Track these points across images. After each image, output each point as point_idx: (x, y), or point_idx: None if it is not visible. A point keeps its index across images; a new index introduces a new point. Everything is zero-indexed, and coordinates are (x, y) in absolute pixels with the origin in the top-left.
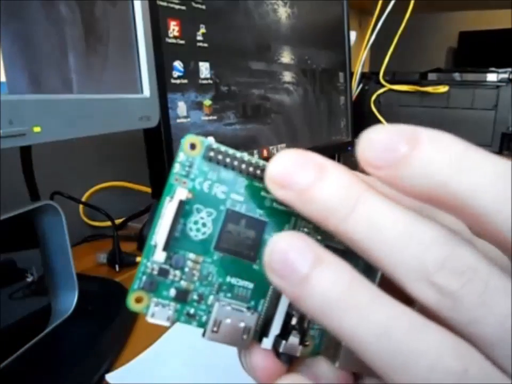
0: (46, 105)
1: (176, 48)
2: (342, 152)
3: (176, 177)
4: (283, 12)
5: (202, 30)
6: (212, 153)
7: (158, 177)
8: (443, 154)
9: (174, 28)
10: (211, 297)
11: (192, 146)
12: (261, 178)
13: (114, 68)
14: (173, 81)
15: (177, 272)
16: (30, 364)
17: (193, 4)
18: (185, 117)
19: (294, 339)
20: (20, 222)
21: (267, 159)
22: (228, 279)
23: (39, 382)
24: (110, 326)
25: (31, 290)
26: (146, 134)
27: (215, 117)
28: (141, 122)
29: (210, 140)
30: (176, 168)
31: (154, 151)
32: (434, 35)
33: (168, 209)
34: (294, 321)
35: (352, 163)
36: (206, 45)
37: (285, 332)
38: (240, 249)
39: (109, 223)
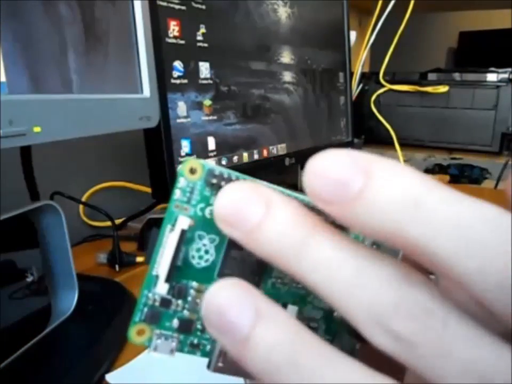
0: (46, 105)
1: (176, 48)
2: None
3: (177, 203)
4: (283, 12)
5: (202, 30)
6: (213, 178)
7: (158, 177)
8: (399, 192)
9: (174, 28)
10: None
11: (193, 171)
12: None
13: (114, 68)
14: (173, 81)
15: (180, 302)
16: (30, 364)
17: (193, 4)
18: (185, 117)
19: None
20: (20, 222)
21: (267, 159)
22: None
23: (39, 382)
24: (110, 326)
25: (31, 290)
26: (146, 134)
27: (215, 117)
28: (141, 122)
29: (211, 163)
30: (177, 194)
31: (154, 151)
32: (434, 35)
33: (170, 239)
34: None
35: None
36: (206, 45)
37: None
38: (244, 275)
39: (109, 223)
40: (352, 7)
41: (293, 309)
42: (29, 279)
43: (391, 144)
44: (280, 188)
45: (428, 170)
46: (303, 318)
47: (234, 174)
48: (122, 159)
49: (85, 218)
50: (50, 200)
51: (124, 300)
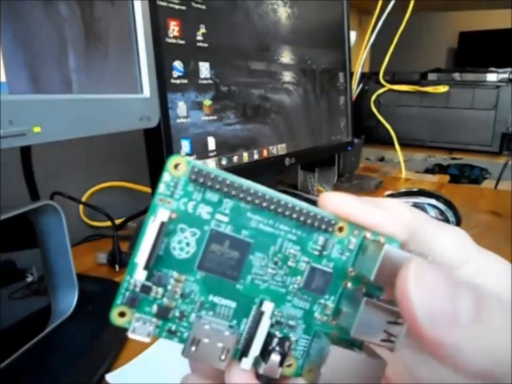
0: (46, 105)
1: (176, 48)
2: (342, 152)
3: (160, 197)
4: (283, 12)
5: (202, 30)
6: (197, 174)
7: (158, 177)
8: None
9: (174, 28)
10: (193, 315)
11: (177, 167)
12: (246, 200)
13: (114, 68)
14: (173, 81)
15: (160, 290)
16: (30, 364)
17: (193, 4)
18: (185, 117)
19: (273, 360)
20: (19, 222)
21: (267, 159)
22: (211, 297)
23: (39, 382)
24: (110, 326)
25: (31, 290)
26: (146, 134)
27: (215, 117)
28: (141, 122)
29: (195, 161)
30: (161, 188)
31: (154, 151)
32: (434, 35)
33: (150, 229)
34: (274, 342)
35: (351, 163)
36: (206, 45)
37: (265, 353)
38: (223, 269)
39: (109, 223)
40: (352, 7)
41: (268, 305)
42: (29, 279)
43: (391, 144)
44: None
45: (428, 170)
46: (281, 315)
47: (217, 172)
48: (122, 159)
49: (85, 218)
50: (50, 200)
51: None
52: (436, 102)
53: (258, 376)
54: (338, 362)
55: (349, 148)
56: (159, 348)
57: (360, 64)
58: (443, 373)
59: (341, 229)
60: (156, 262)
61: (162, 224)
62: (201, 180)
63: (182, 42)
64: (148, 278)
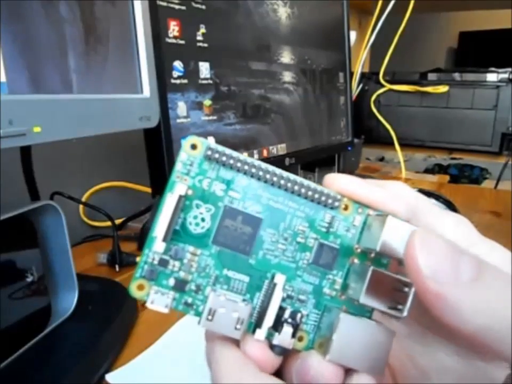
0: (46, 105)
1: (176, 48)
2: (342, 152)
3: (177, 175)
4: (283, 12)
5: (202, 30)
6: (211, 153)
7: (158, 177)
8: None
9: (174, 28)
10: (208, 288)
11: (193, 147)
12: (257, 178)
13: (114, 68)
14: (173, 81)
15: (177, 263)
16: (30, 364)
17: (193, 4)
18: (185, 117)
19: (286, 332)
20: (20, 222)
21: (267, 159)
22: (225, 272)
23: (39, 382)
24: (110, 326)
25: (31, 290)
26: (146, 134)
27: (215, 117)
28: (141, 122)
29: (210, 140)
30: (178, 166)
31: (154, 151)
32: (434, 35)
33: (167, 204)
34: (286, 314)
35: (351, 163)
36: (206, 45)
37: (278, 325)
38: (237, 244)
39: (109, 223)
40: (352, 7)
41: (281, 277)
42: (29, 279)
43: (391, 144)
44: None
45: (428, 170)
46: (292, 290)
47: (230, 151)
48: (122, 159)
49: (85, 218)
50: (50, 200)
51: (124, 300)
52: (436, 102)
53: (272, 348)
54: (349, 330)
55: (349, 148)
56: (159, 348)
57: (360, 64)
58: (444, 361)
59: (346, 207)
60: (173, 236)
61: (180, 197)
62: (215, 157)
63: (182, 42)
64: (165, 252)
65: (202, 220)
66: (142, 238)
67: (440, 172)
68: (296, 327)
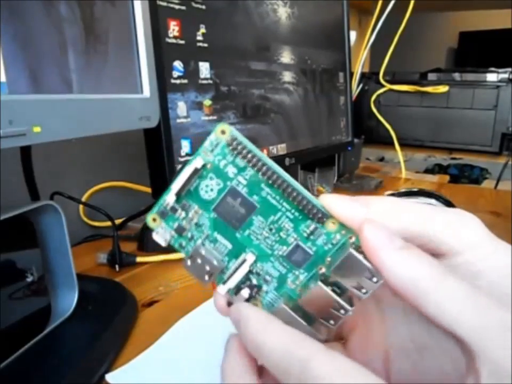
0: (46, 105)
1: (176, 48)
2: (342, 152)
3: (204, 149)
4: (283, 12)
5: (202, 30)
6: (233, 142)
7: (158, 177)
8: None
9: (174, 28)
10: (199, 240)
11: (222, 132)
12: (264, 174)
13: (114, 68)
14: (173, 81)
15: (183, 213)
16: (30, 364)
17: (193, 4)
18: (185, 117)
19: (241, 296)
20: (20, 222)
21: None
22: (215, 234)
23: (39, 382)
24: (110, 326)
25: (31, 290)
26: (146, 134)
27: (215, 117)
28: (141, 122)
29: (236, 131)
30: (206, 143)
31: (154, 151)
32: (434, 35)
33: (189, 168)
34: (247, 283)
35: (351, 163)
36: (206, 45)
37: (238, 289)
38: (230, 218)
39: (109, 223)
40: (352, 7)
41: (251, 257)
42: (29, 279)
43: (391, 144)
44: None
45: (428, 170)
46: (261, 269)
47: (251, 145)
48: (122, 159)
49: (85, 218)
50: (50, 200)
51: (124, 300)
52: (436, 102)
53: (229, 304)
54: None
55: (349, 148)
56: (159, 348)
57: (360, 64)
58: (442, 340)
59: (332, 225)
60: (186, 194)
61: (197, 168)
62: (236, 147)
63: (182, 42)
64: (177, 202)
65: (211, 190)
66: (142, 238)
67: (440, 172)
68: (250, 296)
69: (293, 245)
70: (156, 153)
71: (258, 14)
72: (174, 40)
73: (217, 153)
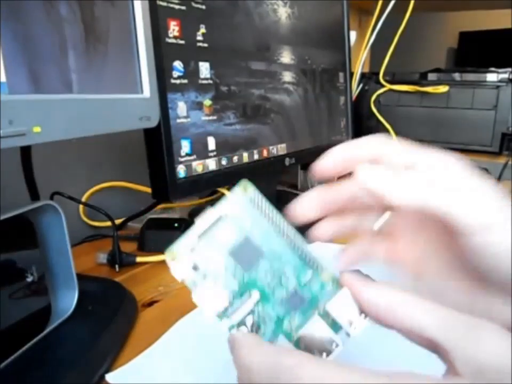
0: (46, 105)
1: (176, 48)
2: None
3: (228, 201)
4: (283, 12)
5: (202, 30)
6: (254, 198)
7: (158, 177)
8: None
9: (174, 28)
10: (210, 278)
11: (245, 188)
12: (276, 226)
13: (114, 68)
14: (173, 81)
15: (200, 253)
16: (30, 364)
17: (193, 4)
18: (185, 117)
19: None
20: (20, 222)
21: (267, 159)
22: (226, 274)
23: (39, 382)
24: (110, 326)
25: (31, 290)
26: (146, 134)
27: (215, 117)
28: (141, 122)
29: (256, 190)
30: (231, 196)
31: (154, 151)
32: (434, 35)
33: (212, 214)
34: (249, 321)
35: None
36: (206, 45)
37: (240, 324)
38: (241, 260)
39: (109, 223)
40: (352, 7)
41: (256, 294)
42: (29, 279)
43: None
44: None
45: None
46: (262, 310)
47: (268, 205)
48: (122, 159)
49: (85, 218)
50: (50, 200)
51: (124, 300)
52: (436, 102)
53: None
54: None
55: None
56: (159, 348)
57: (360, 64)
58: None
59: (326, 277)
60: (206, 236)
61: (220, 216)
62: (255, 202)
63: (182, 42)
64: (196, 242)
65: (229, 235)
66: (142, 238)
67: None
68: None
69: (291, 291)
70: (156, 153)
71: (258, 14)
72: (174, 40)
73: (238, 205)
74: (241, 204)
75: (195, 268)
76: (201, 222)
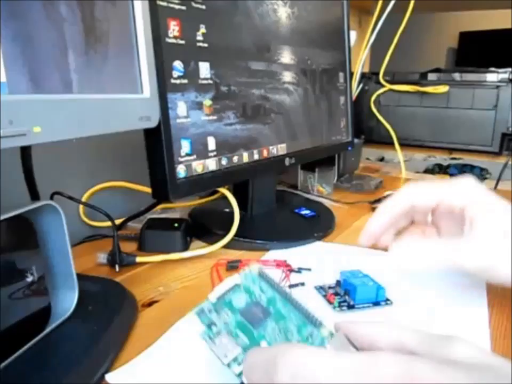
0: (46, 105)
1: (176, 48)
2: (342, 152)
3: (242, 274)
4: (283, 12)
5: (202, 30)
6: (262, 274)
7: (158, 177)
8: None
9: (174, 28)
10: (224, 332)
11: (255, 268)
12: (280, 293)
13: (114, 68)
14: (173, 81)
15: (215, 314)
16: (30, 364)
17: (193, 4)
18: (185, 117)
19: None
20: (20, 222)
21: (267, 159)
22: (237, 331)
23: (39, 382)
24: (110, 326)
25: (31, 290)
26: (146, 134)
27: (215, 117)
28: (141, 122)
29: (263, 269)
30: (245, 271)
31: (154, 151)
32: (434, 35)
33: (229, 283)
34: None
35: (351, 163)
36: (206, 45)
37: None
38: (251, 319)
39: (109, 223)
40: (352, 7)
41: (264, 344)
42: (29, 279)
43: (391, 144)
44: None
45: (428, 170)
46: None
47: (270, 277)
48: (122, 159)
49: (85, 218)
50: (50, 200)
51: (124, 300)
52: (436, 102)
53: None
54: None
55: (349, 148)
56: (159, 348)
57: (360, 64)
58: None
59: (325, 331)
60: (223, 300)
61: (235, 285)
62: (263, 277)
63: (182, 42)
64: (214, 305)
65: (241, 301)
66: (142, 238)
67: (440, 172)
68: None
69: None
70: (156, 153)
71: (258, 14)
72: (174, 40)
73: (250, 278)
74: (252, 277)
75: (210, 324)
76: (218, 289)
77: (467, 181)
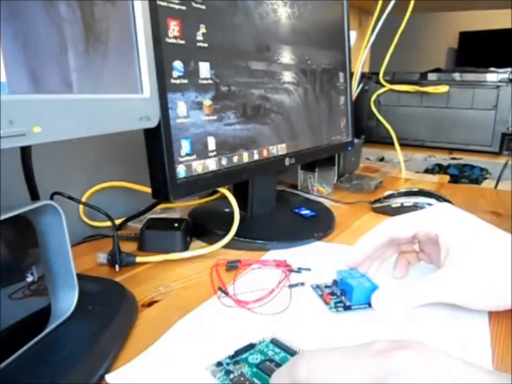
0: (46, 105)
1: (176, 48)
2: (342, 152)
3: (255, 343)
4: (283, 12)
5: (202, 30)
6: (275, 341)
7: (158, 177)
8: None
9: (174, 28)
10: (241, 379)
11: (264, 340)
12: (290, 354)
13: (114, 68)
14: (173, 81)
15: (232, 365)
16: (30, 364)
17: (193, 4)
18: (185, 117)
19: None
20: (20, 222)
21: (267, 159)
22: (254, 380)
23: (39, 382)
24: (110, 326)
25: (31, 290)
26: (146, 134)
27: (215, 117)
28: (141, 122)
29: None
30: (258, 341)
31: (154, 151)
32: (434, 35)
33: (247, 344)
34: None
35: (351, 163)
36: (206, 45)
37: None
38: (266, 370)
39: (109, 223)
40: (352, 7)
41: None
42: (29, 279)
43: (391, 144)
44: None
45: (428, 170)
46: None
47: (287, 345)
48: (122, 159)
49: (85, 218)
50: (50, 200)
51: (124, 300)
52: (436, 102)
53: None
54: None
55: (349, 148)
56: (159, 348)
57: (360, 64)
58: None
59: None
60: (240, 356)
61: (251, 344)
62: (276, 343)
63: (182, 42)
64: (232, 358)
65: (257, 358)
66: (142, 238)
67: (440, 172)
68: None
69: None
70: (156, 153)
71: (258, 14)
72: (174, 40)
73: (264, 345)
74: (265, 344)
75: (228, 373)
76: (241, 348)
77: (441, 208)
